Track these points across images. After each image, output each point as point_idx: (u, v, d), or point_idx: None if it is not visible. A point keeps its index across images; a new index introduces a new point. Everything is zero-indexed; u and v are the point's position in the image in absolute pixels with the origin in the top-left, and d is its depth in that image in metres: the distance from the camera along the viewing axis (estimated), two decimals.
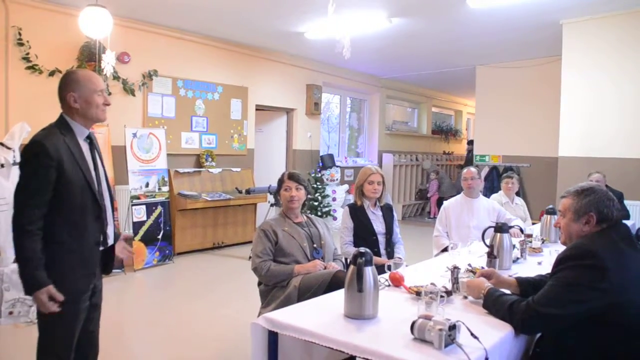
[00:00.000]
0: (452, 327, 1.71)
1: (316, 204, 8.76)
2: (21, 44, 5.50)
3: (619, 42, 6.02)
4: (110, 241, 2.37)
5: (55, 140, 2.12)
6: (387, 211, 3.82)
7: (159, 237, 6.36)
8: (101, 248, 2.30)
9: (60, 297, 2.08)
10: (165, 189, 6.57)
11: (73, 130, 2.22)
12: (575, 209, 2.07)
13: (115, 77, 6.17)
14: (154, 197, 6.38)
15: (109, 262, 2.40)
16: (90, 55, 5.81)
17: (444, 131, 13.76)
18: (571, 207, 2.09)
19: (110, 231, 2.35)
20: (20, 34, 5.48)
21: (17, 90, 5.53)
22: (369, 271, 2.02)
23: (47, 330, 2.18)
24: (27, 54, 5.55)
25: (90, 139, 2.31)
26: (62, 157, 2.11)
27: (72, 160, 2.15)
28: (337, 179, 9.14)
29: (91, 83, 2.24)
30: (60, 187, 2.10)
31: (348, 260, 3.38)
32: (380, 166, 10.37)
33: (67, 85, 2.21)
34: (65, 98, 2.20)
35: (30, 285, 2.05)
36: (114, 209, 2.45)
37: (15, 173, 4.48)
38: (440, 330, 1.69)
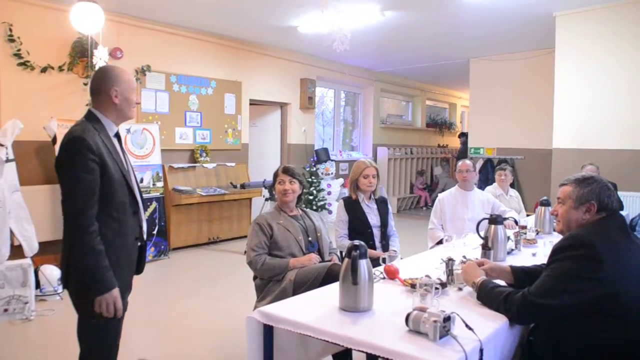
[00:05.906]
0: (447, 319, 1.71)
1: (311, 197, 8.76)
2: (12, 40, 5.45)
3: (612, 33, 6.04)
4: (145, 237, 2.34)
5: (92, 135, 2.08)
6: (382, 204, 3.83)
7: (154, 232, 6.35)
8: (139, 243, 2.29)
9: (120, 304, 2.08)
10: (160, 184, 6.56)
11: (105, 126, 2.19)
12: (577, 197, 2.05)
13: None
14: (149, 193, 6.36)
15: (141, 261, 2.36)
16: (82, 51, 5.78)
17: (439, 124, 13.78)
18: (572, 194, 2.07)
19: (144, 227, 2.33)
20: (11, 30, 5.44)
21: (9, 87, 5.49)
22: (364, 264, 2.02)
23: (96, 330, 2.14)
24: (19, 50, 5.51)
25: (118, 136, 2.28)
26: (102, 152, 2.08)
27: (110, 156, 2.12)
28: (332, 173, 9.13)
29: (131, 81, 2.25)
30: (103, 184, 2.06)
31: (343, 254, 3.38)
32: (375, 160, 10.38)
33: (109, 79, 2.17)
34: (108, 92, 2.16)
35: (101, 289, 2.02)
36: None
37: (8, 170, 4.45)
38: (435, 322, 1.70)
